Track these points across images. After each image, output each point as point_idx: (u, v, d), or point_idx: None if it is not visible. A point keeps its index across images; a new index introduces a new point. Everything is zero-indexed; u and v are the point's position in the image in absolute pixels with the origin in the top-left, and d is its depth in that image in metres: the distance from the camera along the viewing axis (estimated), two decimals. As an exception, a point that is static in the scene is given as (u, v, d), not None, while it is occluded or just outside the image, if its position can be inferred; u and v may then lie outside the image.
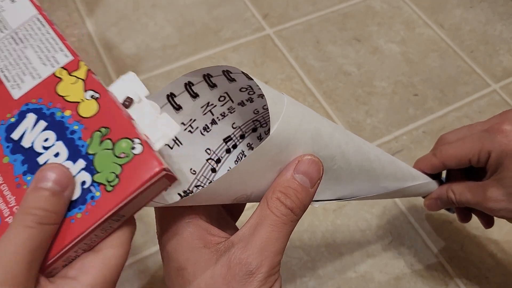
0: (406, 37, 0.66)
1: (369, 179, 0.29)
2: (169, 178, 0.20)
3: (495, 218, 0.39)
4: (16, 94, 0.22)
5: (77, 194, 0.20)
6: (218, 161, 0.27)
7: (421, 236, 0.48)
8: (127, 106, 0.22)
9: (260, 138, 0.28)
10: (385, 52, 0.64)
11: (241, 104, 0.26)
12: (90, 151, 0.20)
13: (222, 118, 0.26)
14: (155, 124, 0.21)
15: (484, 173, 0.36)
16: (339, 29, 0.66)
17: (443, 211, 0.44)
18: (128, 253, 0.22)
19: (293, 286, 0.45)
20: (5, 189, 0.21)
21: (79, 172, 0.20)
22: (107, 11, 0.65)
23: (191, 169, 0.26)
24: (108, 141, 0.20)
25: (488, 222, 0.41)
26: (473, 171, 0.39)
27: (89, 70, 0.24)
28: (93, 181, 0.20)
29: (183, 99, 0.25)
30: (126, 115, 0.21)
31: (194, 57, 0.61)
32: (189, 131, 0.26)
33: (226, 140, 0.27)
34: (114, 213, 0.20)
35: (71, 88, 0.22)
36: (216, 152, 0.27)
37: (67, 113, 0.21)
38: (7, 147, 0.21)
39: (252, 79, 0.23)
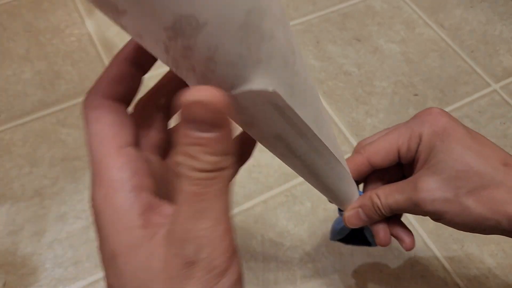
0: (406, 37, 0.66)
1: (316, 120, 0.23)
2: None
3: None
4: None
5: None
6: None
7: (421, 236, 0.48)
8: None
9: None
10: (385, 52, 0.64)
11: None
12: None
13: None
14: None
15: (411, 173, 0.32)
16: (339, 29, 0.66)
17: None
18: None
19: (293, 286, 0.45)
20: None
21: None
22: (107, 11, 0.65)
23: None
24: None
25: (408, 238, 0.34)
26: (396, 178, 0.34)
27: None
28: None
29: None
30: None
31: (194, 57, 0.61)
32: None
33: None
34: None
35: None
36: None
37: None
38: None
39: None
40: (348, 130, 0.55)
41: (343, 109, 0.57)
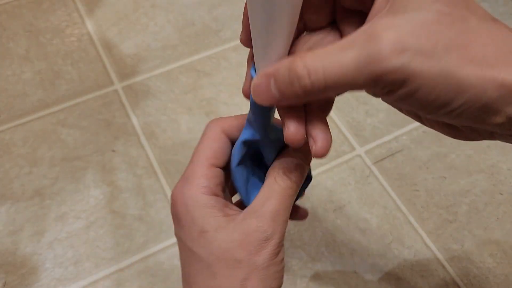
0: (406, 37, 0.66)
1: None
2: None
3: None
4: None
5: None
6: None
7: (421, 236, 0.48)
8: None
9: None
10: (385, 52, 0.64)
11: None
12: None
13: None
14: None
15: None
16: (339, 29, 0.66)
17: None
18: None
19: (293, 286, 0.45)
20: None
21: None
22: (107, 11, 0.65)
23: None
24: None
25: (323, 139, 0.24)
26: None
27: None
28: None
29: None
30: None
31: (194, 57, 0.61)
32: None
33: None
34: None
35: None
36: None
37: None
38: None
39: None
40: (348, 130, 0.55)
41: (343, 109, 0.57)
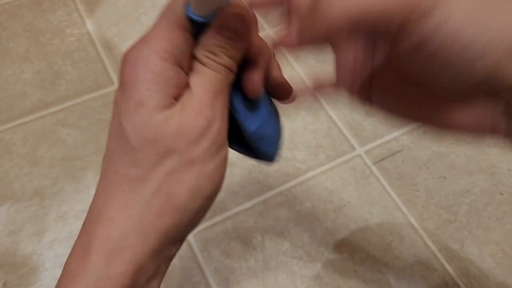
0: (406, 37, 0.66)
1: None
2: None
3: None
4: None
5: None
6: None
7: (421, 236, 0.48)
8: None
9: None
10: (385, 52, 0.64)
11: None
12: None
13: None
14: None
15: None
16: (339, 29, 0.66)
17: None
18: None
19: (293, 286, 0.45)
20: None
21: None
22: (107, 11, 0.65)
23: None
24: None
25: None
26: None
27: None
28: None
29: None
30: None
31: (194, 57, 0.61)
32: None
33: None
34: None
35: None
36: None
37: None
38: None
39: None
40: (348, 130, 0.55)
41: (343, 109, 0.57)
